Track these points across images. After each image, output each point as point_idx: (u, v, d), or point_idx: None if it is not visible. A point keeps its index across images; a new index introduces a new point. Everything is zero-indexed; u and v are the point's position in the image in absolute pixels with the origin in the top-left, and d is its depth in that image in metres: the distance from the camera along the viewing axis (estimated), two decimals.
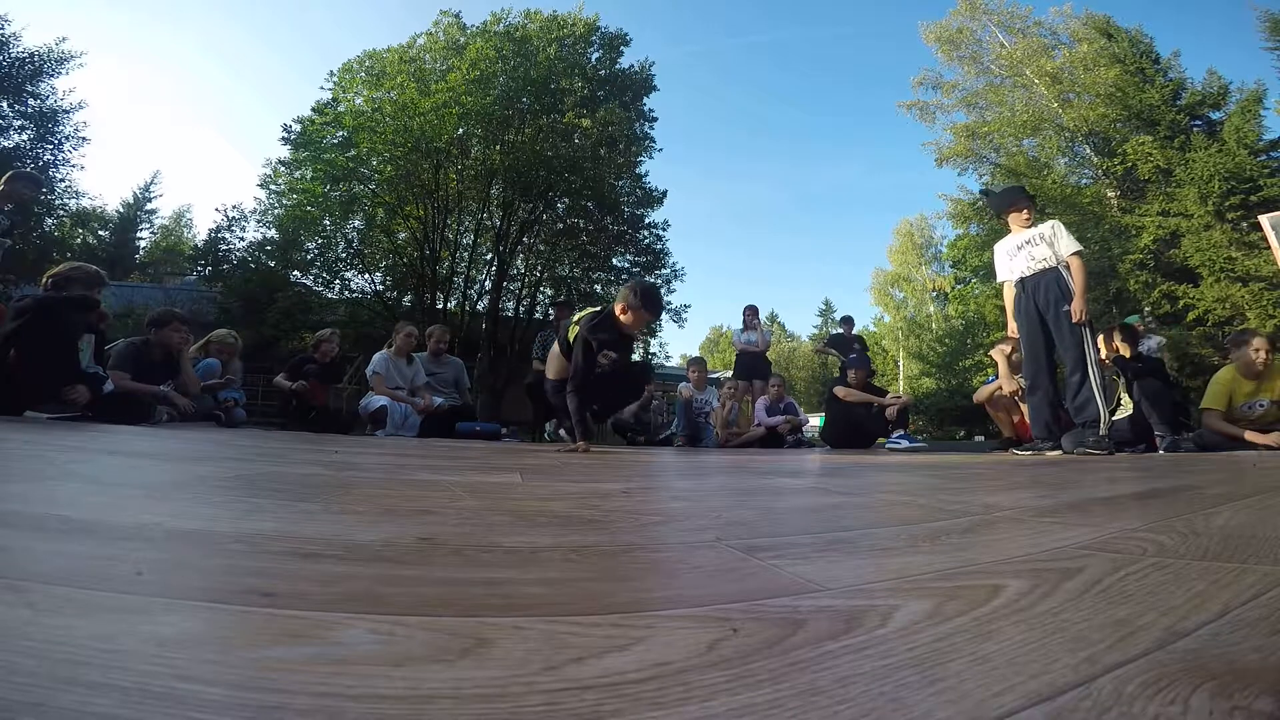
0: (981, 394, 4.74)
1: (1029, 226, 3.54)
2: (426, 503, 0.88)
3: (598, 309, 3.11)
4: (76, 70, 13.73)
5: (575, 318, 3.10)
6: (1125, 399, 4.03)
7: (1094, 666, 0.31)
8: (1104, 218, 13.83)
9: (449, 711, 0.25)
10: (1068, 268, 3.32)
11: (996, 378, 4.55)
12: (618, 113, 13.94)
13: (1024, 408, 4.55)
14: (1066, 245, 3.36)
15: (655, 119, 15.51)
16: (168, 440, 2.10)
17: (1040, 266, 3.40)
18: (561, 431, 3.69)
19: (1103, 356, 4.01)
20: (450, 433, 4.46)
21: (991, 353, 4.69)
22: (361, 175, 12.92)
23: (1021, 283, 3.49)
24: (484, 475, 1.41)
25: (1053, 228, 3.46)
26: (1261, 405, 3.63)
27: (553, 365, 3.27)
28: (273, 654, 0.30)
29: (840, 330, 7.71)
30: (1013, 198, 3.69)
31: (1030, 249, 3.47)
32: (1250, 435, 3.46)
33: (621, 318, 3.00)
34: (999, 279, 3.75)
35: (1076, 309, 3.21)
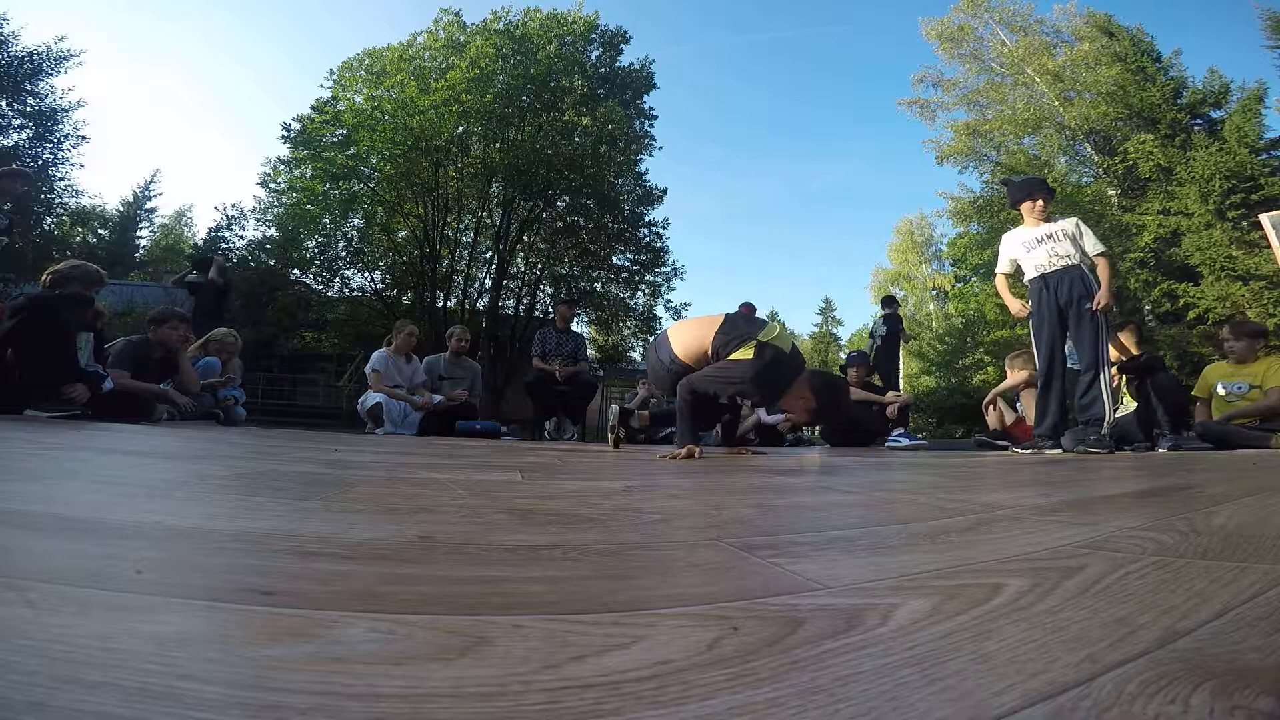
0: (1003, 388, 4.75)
1: (1044, 219, 3.52)
2: (426, 501, 0.88)
3: (783, 355, 2.42)
4: (75, 69, 13.74)
5: (765, 337, 2.39)
6: (1127, 398, 4.03)
7: (1094, 665, 0.31)
8: (1104, 216, 13.80)
9: (448, 710, 0.25)
10: (1092, 267, 3.33)
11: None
12: (617, 111, 13.95)
13: (1018, 410, 4.58)
14: (1092, 245, 3.36)
15: (655, 117, 15.55)
16: (167, 439, 2.10)
17: (1063, 263, 3.38)
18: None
19: (1116, 355, 4.03)
20: (450, 431, 4.46)
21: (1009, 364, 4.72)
22: (361, 173, 12.94)
23: (1043, 278, 3.46)
24: (484, 473, 1.41)
25: (1076, 225, 3.44)
26: (1240, 388, 3.68)
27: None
28: (272, 652, 0.30)
29: (885, 312, 6.93)
30: (1030, 188, 3.65)
31: (1052, 244, 3.44)
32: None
33: (795, 390, 2.55)
34: (1000, 269, 3.68)
35: (1101, 298, 3.21)
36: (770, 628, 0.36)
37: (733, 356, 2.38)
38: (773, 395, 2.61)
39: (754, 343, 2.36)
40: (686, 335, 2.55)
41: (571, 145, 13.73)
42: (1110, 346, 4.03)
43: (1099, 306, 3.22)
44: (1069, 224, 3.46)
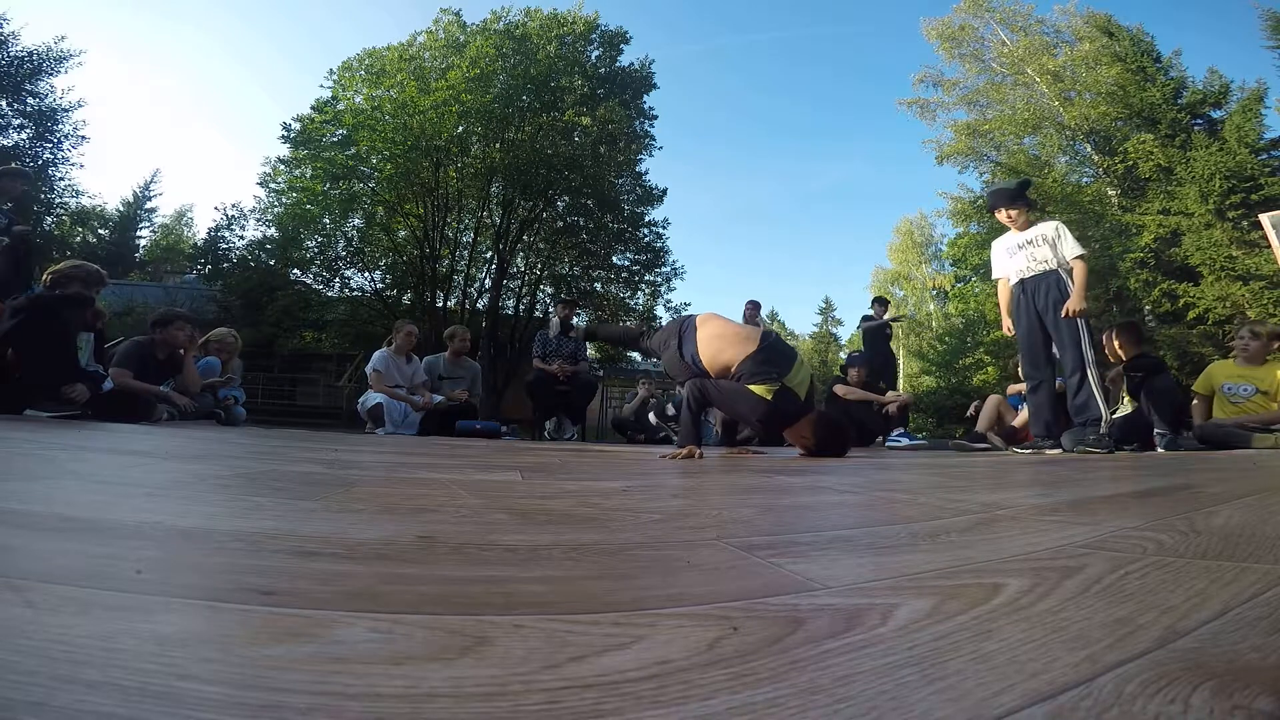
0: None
1: (1021, 227, 3.52)
2: (426, 501, 0.88)
3: (790, 396, 2.43)
4: (75, 69, 13.73)
5: (791, 381, 2.42)
6: (1126, 398, 4.03)
7: (1094, 665, 0.31)
8: (1104, 216, 13.82)
9: (448, 710, 0.25)
10: (1069, 271, 3.31)
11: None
12: (617, 110, 13.95)
13: (1021, 412, 4.57)
14: (1070, 248, 3.34)
15: (655, 117, 15.54)
16: (167, 438, 2.11)
17: (1041, 268, 3.39)
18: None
19: (1110, 358, 4.03)
20: (450, 431, 4.46)
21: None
22: (361, 173, 12.93)
23: (1021, 283, 3.48)
24: (484, 473, 1.41)
25: (1055, 229, 3.42)
26: (1245, 390, 3.66)
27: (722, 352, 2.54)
28: (272, 652, 0.30)
29: (871, 313, 6.94)
30: (997, 200, 3.67)
31: (1031, 249, 3.45)
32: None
33: (800, 425, 2.51)
34: (994, 275, 3.75)
35: (1071, 305, 3.20)
36: (770, 628, 0.36)
37: (752, 388, 2.38)
38: (773, 432, 2.68)
39: (777, 387, 2.38)
40: (715, 345, 2.53)
41: (571, 145, 13.73)
42: (1108, 347, 4.05)
43: (1070, 313, 3.21)
44: (1048, 228, 3.45)
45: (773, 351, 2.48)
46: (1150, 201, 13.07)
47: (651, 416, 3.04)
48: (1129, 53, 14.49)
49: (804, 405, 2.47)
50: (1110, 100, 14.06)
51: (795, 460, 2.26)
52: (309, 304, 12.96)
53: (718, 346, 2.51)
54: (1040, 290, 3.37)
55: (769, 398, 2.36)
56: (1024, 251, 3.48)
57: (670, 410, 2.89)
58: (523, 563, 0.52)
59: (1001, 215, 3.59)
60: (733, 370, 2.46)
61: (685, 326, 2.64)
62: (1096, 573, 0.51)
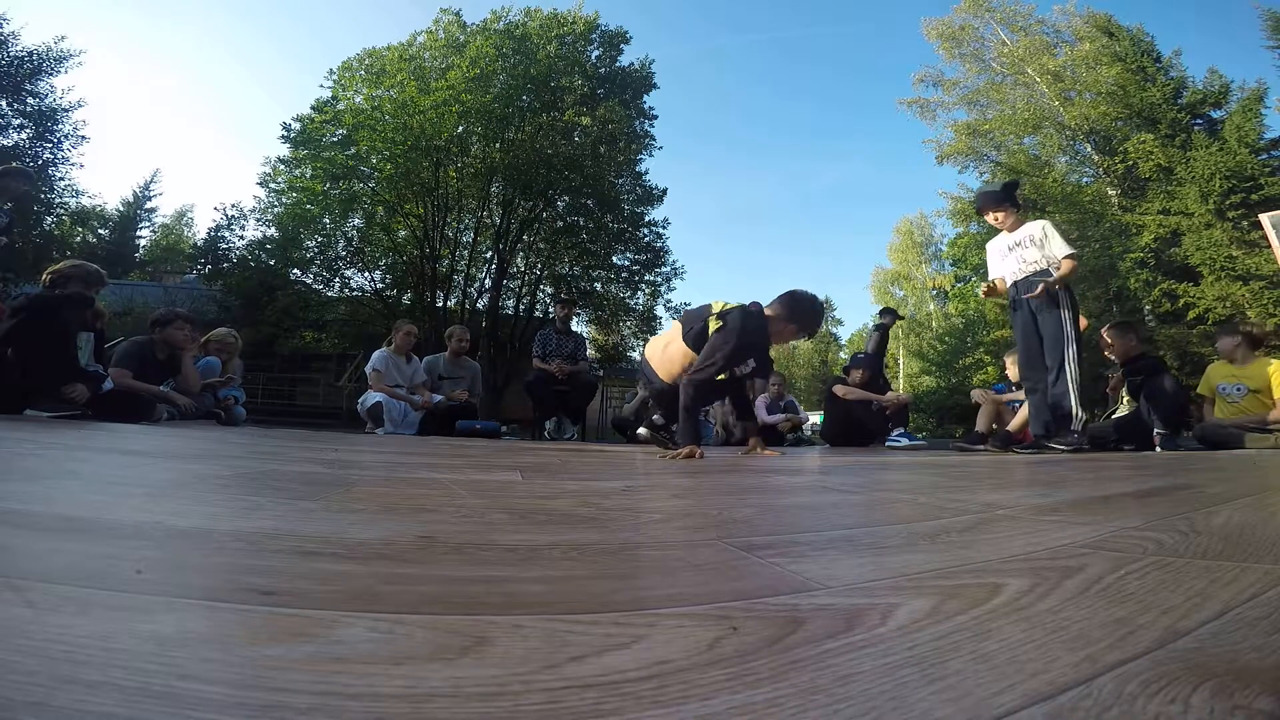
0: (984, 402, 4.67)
1: (1011, 229, 3.51)
2: (426, 501, 0.88)
3: (747, 309, 2.66)
4: (75, 69, 13.71)
5: (718, 310, 2.67)
6: (1125, 399, 4.02)
7: (1094, 665, 0.31)
8: (1105, 216, 13.84)
9: (448, 710, 0.25)
10: (1059, 269, 3.29)
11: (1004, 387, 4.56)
12: (617, 110, 13.96)
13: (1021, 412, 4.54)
14: (1058, 248, 3.31)
15: (655, 116, 15.54)
16: (167, 438, 2.11)
17: (1030, 270, 3.38)
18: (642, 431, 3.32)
19: (1108, 357, 4.03)
20: (450, 431, 4.46)
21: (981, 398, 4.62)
22: (361, 173, 12.92)
23: (1015, 286, 3.47)
24: (484, 473, 1.41)
25: (1043, 229, 3.38)
26: (1239, 390, 3.69)
27: (675, 363, 2.78)
28: (272, 652, 0.30)
29: (884, 321, 7.35)
30: (984, 202, 3.65)
31: (1020, 251, 3.43)
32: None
33: (772, 328, 2.71)
34: (990, 277, 3.74)
35: (1048, 285, 3.18)
36: (770, 628, 0.36)
37: (710, 335, 2.62)
38: (762, 344, 2.81)
39: (712, 316, 2.65)
40: (664, 357, 2.82)
41: (571, 145, 13.73)
42: (1105, 346, 4.06)
43: (1047, 283, 3.19)
44: (1036, 228, 3.41)
45: (690, 314, 2.82)
46: (1150, 201, 13.08)
47: (642, 432, 3.12)
48: (1129, 53, 14.50)
49: (751, 311, 2.71)
50: (1110, 100, 14.08)
51: (796, 460, 2.26)
52: (309, 304, 12.95)
53: (669, 357, 2.80)
54: (1031, 291, 3.37)
55: (719, 323, 2.62)
56: (1014, 254, 3.46)
57: (659, 419, 3.03)
58: (522, 562, 0.52)
59: (990, 218, 3.58)
60: (687, 354, 2.73)
61: (643, 366, 3.00)
62: (1096, 573, 0.51)
